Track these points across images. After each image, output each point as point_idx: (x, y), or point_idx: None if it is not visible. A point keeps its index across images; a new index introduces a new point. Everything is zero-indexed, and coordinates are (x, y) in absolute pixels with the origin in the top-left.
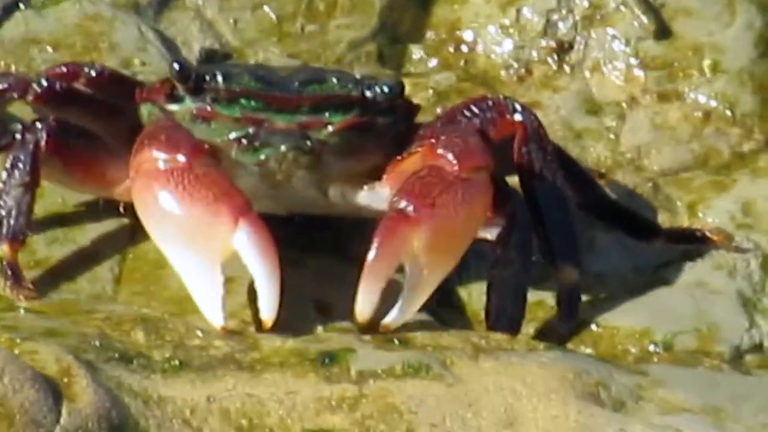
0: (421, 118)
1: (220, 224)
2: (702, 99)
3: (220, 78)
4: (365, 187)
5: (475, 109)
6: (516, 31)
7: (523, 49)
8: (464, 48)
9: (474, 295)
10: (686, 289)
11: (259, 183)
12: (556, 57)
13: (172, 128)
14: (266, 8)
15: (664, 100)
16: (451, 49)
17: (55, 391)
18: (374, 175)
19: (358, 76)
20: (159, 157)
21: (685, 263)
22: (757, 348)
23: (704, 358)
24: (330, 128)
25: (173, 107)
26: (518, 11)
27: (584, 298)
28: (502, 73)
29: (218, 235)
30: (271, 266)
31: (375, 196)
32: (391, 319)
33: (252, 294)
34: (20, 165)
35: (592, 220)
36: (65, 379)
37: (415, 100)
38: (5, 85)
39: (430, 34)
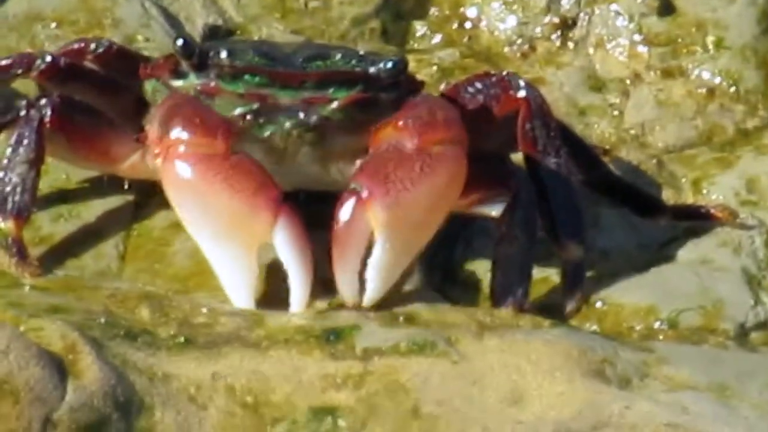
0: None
1: (259, 217)
2: (706, 75)
3: (224, 54)
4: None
5: (479, 86)
6: (519, 8)
7: (527, 26)
8: (468, 24)
9: (479, 272)
10: (691, 266)
11: (263, 159)
12: (559, 33)
13: (200, 107)
14: None
15: (668, 77)
16: (455, 26)
17: (60, 368)
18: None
19: (361, 53)
20: (193, 140)
21: (690, 240)
22: (762, 325)
23: (709, 336)
24: (334, 104)
25: (177, 83)
26: None
27: (589, 275)
28: (506, 49)
29: (257, 228)
30: (306, 261)
31: None
32: (364, 299)
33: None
34: (25, 141)
35: (597, 197)
36: (70, 356)
37: (419, 77)
38: (9, 61)
39: (433, 11)
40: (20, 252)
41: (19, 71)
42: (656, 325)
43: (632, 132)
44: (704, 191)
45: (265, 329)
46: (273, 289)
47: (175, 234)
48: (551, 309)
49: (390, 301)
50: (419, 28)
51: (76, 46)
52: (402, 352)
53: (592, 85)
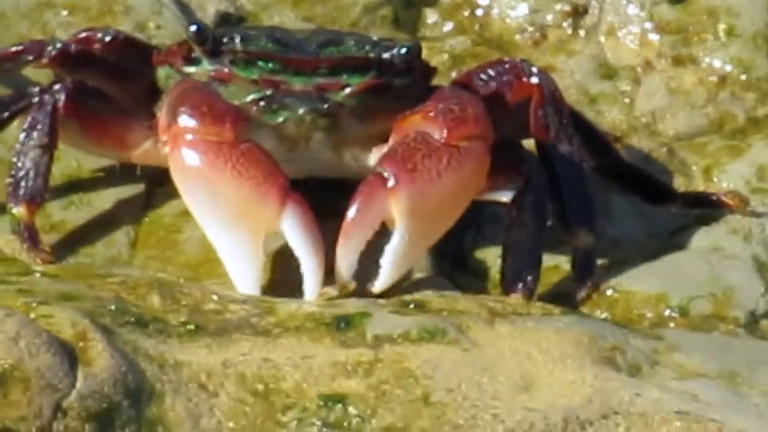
0: (436, 82)
1: (267, 205)
2: (717, 63)
3: (237, 40)
4: (374, 153)
5: (492, 72)
6: None
7: (538, 13)
8: (479, 12)
9: (490, 259)
10: (701, 253)
11: (276, 145)
12: (571, 21)
13: (208, 94)
14: None
15: (679, 65)
16: (466, 13)
17: (70, 356)
18: (388, 137)
19: (375, 38)
20: (201, 128)
21: (701, 228)
22: None
23: (720, 323)
24: (347, 90)
25: (190, 69)
26: None
27: (600, 262)
28: (517, 37)
29: (264, 215)
30: (317, 249)
31: None
32: (375, 285)
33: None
34: (39, 126)
35: (608, 184)
36: (81, 344)
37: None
38: (20, 48)
39: None
40: (32, 238)
41: (30, 58)
42: (667, 312)
43: (643, 120)
44: (715, 179)
45: (276, 316)
46: (284, 277)
47: (186, 221)
48: (562, 296)
49: (400, 289)
50: (430, 15)
51: (83, 35)
52: (413, 340)
53: (603, 73)
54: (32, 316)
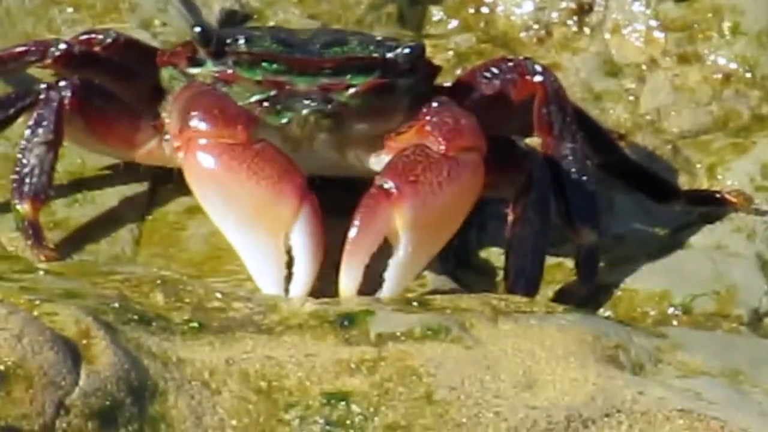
0: (440, 79)
1: (285, 204)
2: (721, 61)
3: (241, 41)
4: (380, 153)
5: (495, 71)
6: None
7: (544, 11)
8: (484, 9)
9: (493, 257)
10: (705, 251)
11: (280, 145)
12: (576, 18)
13: (218, 97)
14: None
15: (684, 62)
16: (471, 11)
17: (74, 353)
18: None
19: (379, 38)
20: (214, 132)
21: (704, 226)
22: None
23: (723, 321)
24: (352, 90)
25: (194, 70)
26: None
27: (603, 260)
28: (522, 34)
29: (283, 214)
30: (318, 250)
31: (382, 164)
32: (381, 295)
33: None
34: (44, 123)
35: (612, 182)
36: (84, 341)
37: (435, 62)
38: (24, 48)
39: None
40: (36, 235)
41: (34, 58)
42: (670, 310)
43: (648, 117)
44: (719, 177)
45: (279, 314)
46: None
47: (190, 219)
48: (565, 294)
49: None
50: (435, 12)
51: (83, 38)
52: (416, 338)
53: (608, 71)
54: (35, 313)
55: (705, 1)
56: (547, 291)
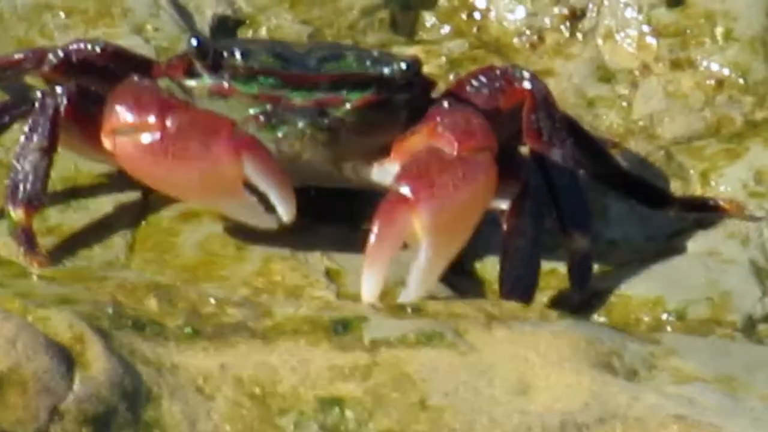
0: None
1: (225, 167)
2: (714, 67)
3: (238, 55)
4: (378, 164)
5: (484, 79)
6: None
7: (536, 17)
8: (477, 15)
9: (487, 263)
10: (699, 257)
11: (274, 157)
12: (568, 24)
13: (135, 89)
14: None
15: (677, 68)
16: (464, 16)
17: (68, 359)
18: (389, 151)
19: (375, 53)
20: (127, 123)
21: (698, 232)
22: None
23: (717, 327)
24: (348, 106)
25: (191, 83)
26: None
27: (597, 266)
28: (515, 40)
29: (229, 175)
30: (282, 177)
31: (385, 173)
32: (401, 299)
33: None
34: (39, 129)
35: (605, 189)
36: (78, 347)
37: (428, 68)
38: (21, 56)
39: (442, 1)
40: (29, 241)
41: (30, 66)
42: (664, 316)
43: (641, 123)
44: (712, 183)
45: (273, 320)
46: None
47: (184, 224)
48: (559, 300)
49: (398, 293)
50: (428, 18)
51: (73, 47)
52: (410, 343)
53: (601, 77)
54: (29, 319)
55: (698, 7)
56: (541, 297)
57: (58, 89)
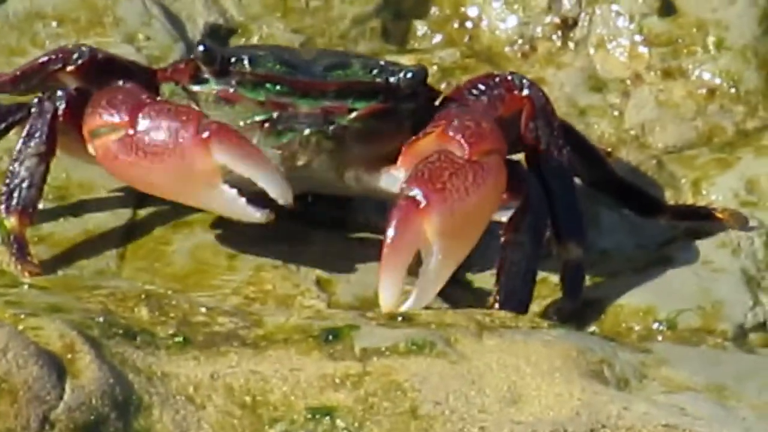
0: None
1: (195, 158)
2: (706, 76)
3: (246, 61)
4: (382, 171)
5: (482, 87)
6: (520, 7)
7: (528, 26)
8: (468, 24)
9: (480, 273)
10: (690, 267)
11: (279, 165)
12: (560, 33)
13: (110, 93)
14: None
15: (669, 77)
16: (456, 25)
17: (58, 368)
18: (392, 159)
19: (382, 62)
20: (100, 125)
21: (690, 241)
22: (761, 326)
23: (708, 337)
24: (353, 114)
25: (197, 88)
26: None
27: (588, 275)
28: (507, 49)
29: (202, 168)
30: (258, 159)
31: (390, 179)
32: (409, 305)
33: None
34: (37, 134)
35: (597, 197)
36: (69, 356)
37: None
38: (46, 58)
39: (434, 10)
40: (21, 250)
41: (57, 67)
42: (655, 325)
43: (632, 132)
44: (704, 192)
45: (264, 329)
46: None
47: (175, 233)
48: (551, 309)
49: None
50: (420, 27)
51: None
52: (401, 352)
53: (593, 86)
54: (20, 327)
55: (689, 16)
56: (532, 306)
57: (58, 92)
